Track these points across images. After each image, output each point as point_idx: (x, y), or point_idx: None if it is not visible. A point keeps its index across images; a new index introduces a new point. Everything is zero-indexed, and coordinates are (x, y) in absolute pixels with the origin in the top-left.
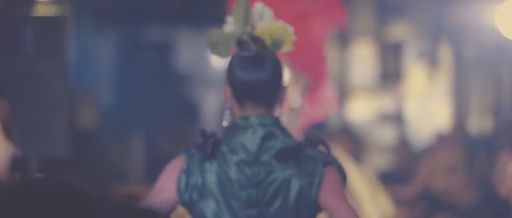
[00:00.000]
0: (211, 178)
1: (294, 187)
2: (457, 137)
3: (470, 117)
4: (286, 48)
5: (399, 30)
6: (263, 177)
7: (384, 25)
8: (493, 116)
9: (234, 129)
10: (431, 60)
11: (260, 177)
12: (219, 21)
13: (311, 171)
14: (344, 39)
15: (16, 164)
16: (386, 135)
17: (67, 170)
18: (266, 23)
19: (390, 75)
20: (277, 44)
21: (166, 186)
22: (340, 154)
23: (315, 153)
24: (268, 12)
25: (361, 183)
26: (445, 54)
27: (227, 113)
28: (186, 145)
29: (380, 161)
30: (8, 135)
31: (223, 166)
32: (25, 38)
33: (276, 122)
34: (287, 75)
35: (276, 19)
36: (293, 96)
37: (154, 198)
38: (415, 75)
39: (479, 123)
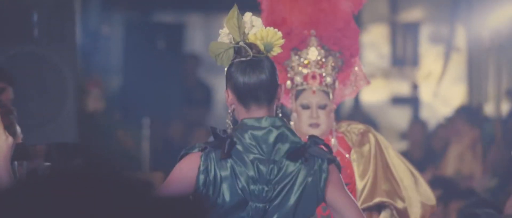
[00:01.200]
0: (226, 174)
1: (302, 183)
2: (471, 121)
3: (485, 101)
4: (277, 51)
5: (414, 13)
6: (276, 174)
7: (398, 8)
8: (509, 100)
9: (245, 128)
10: (446, 43)
11: (272, 175)
12: (230, 4)
13: (318, 169)
14: (358, 22)
15: (21, 151)
16: (400, 118)
17: (76, 156)
18: (257, 30)
19: (404, 58)
20: (269, 47)
21: (184, 179)
22: (379, 138)
23: (319, 151)
24: (257, 20)
25: (403, 168)
26: (461, 37)
27: (231, 113)
28: (199, 143)
29: (393, 145)
30: (7, 122)
31: (239, 164)
32: (33, 22)
33: (285, 124)
34: (315, 55)
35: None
36: (326, 76)
37: (172, 186)
38: (430, 58)
39: (495, 107)
